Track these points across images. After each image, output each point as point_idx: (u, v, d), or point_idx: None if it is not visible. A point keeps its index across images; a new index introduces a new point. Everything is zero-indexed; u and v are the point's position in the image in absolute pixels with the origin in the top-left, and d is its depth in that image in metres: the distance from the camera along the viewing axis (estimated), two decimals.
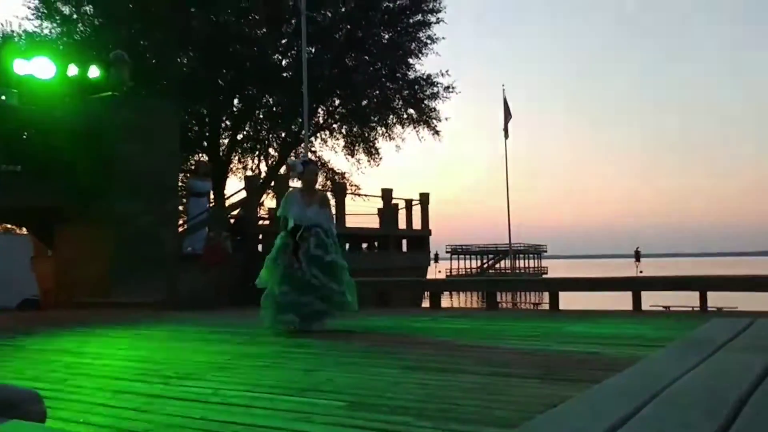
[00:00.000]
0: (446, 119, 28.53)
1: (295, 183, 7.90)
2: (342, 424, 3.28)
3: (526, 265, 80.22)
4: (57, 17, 23.55)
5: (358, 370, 4.90)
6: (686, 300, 11.75)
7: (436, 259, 19.60)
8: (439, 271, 20.69)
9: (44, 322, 9.23)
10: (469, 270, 73.88)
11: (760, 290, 8.84)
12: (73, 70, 13.86)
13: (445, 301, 21.70)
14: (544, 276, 52.96)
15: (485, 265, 77.00)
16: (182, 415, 3.52)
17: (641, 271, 38.87)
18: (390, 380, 4.44)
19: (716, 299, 10.65)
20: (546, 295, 11.58)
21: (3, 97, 12.36)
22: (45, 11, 23.49)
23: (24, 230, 19.50)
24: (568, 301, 12.04)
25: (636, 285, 9.74)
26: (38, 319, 9.77)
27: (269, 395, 3.99)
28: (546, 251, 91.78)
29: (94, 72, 13.82)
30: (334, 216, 7.98)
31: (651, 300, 11.85)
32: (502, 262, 71.78)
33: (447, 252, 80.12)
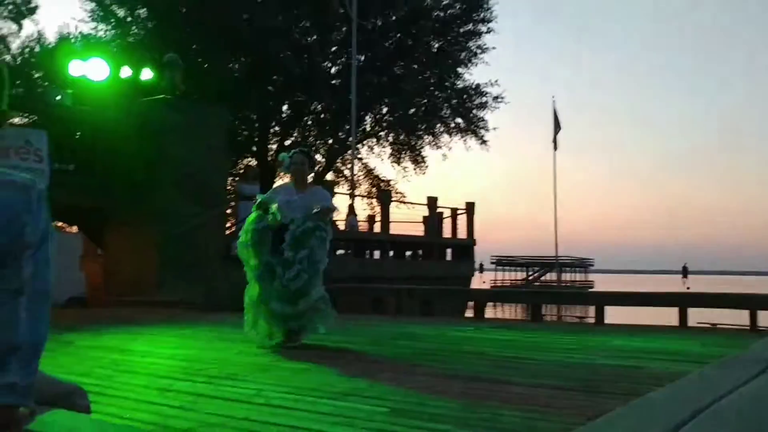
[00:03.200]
0: (494, 129, 28.48)
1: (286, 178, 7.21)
2: (383, 430, 3.27)
3: (573, 278, 79.04)
4: (112, 20, 24.13)
5: (401, 376, 4.89)
6: (733, 318, 11.49)
7: (481, 269, 19.49)
8: (484, 282, 20.54)
9: (92, 320, 9.40)
10: (514, 281, 73.15)
11: None
12: (126, 72, 14.18)
13: (489, 312, 21.56)
14: (589, 290, 52.37)
15: (531, 277, 76.14)
16: (225, 415, 3.56)
17: (688, 287, 38.05)
18: (432, 388, 4.42)
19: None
20: (591, 309, 11.39)
21: (58, 97, 12.69)
22: (101, 14, 24.09)
23: (74, 228, 19.95)
24: (614, 315, 11.87)
25: (682, 301, 9.54)
26: (86, 317, 9.95)
27: (311, 398, 4.00)
28: (593, 265, 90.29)
29: (146, 74, 14.11)
30: (335, 209, 7.14)
31: (698, 317, 11.61)
32: (548, 275, 70.90)
33: (492, 263, 79.44)
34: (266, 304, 6.39)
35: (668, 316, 10.38)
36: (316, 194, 6.78)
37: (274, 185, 7.37)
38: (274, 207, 6.51)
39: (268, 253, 6.44)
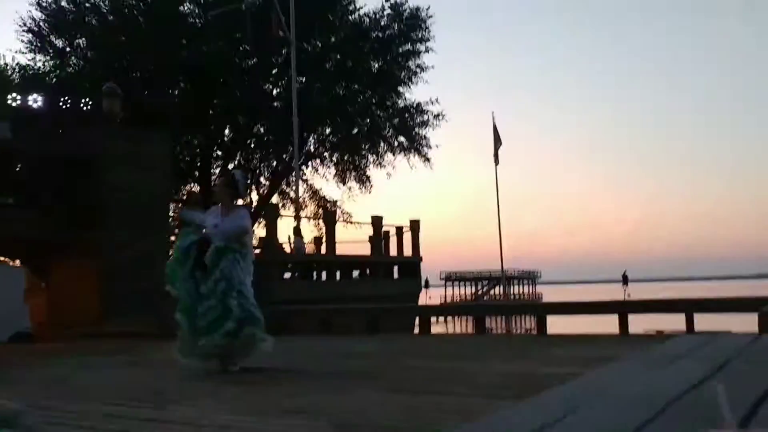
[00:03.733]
0: (437, 146, 28.87)
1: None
2: None
3: (521, 291, 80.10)
4: (50, 50, 23.81)
5: (345, 393, 5.02)
6: (679, 324, 11.85)
7: (426, 285, 19.71)
8: (430, 297, 20.81)
9: (37, 354, 9.30)
10: (463, 297, 73.78)
11: (743, 310, 8.98)
12: (65, 102, 14.07)
13: (438, 328, 21.79)
14: (533, 302, 53.08)
15: (480, 292, 76.89)
16: None
17: (629, 295, 38.94)
18: (376, 402, 4.56)
19: (713, 322, 10.76)
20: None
21: None
22: (38, 45, 23.74)
23: (17, 262, 19.56)
24: (560, 325, 12.16)
25: (622, 308, 9.88)
26: (31, 352, 9.84)
27: (256, 417, 4.11)
28: (540, 277, 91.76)
29: (86, 104, 14.02)
30: (250, 231, 7.11)
31: (642, 324, 11.96)
32: (497, 289, 71.71)
33: (441, 279, 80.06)
34: (191, 334, 6.41)
35: (612, 324, 10.70)
36: (234, 218, 6.80)
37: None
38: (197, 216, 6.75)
39: (188, 274, 6.47)
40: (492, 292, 75.98)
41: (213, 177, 26.07)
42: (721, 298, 10.14)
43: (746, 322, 10.37)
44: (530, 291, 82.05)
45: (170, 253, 6.79)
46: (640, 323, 11.37)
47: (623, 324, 9.64)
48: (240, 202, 7.31)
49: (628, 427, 1.04)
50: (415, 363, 6.79)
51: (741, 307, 8.76)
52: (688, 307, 9.31)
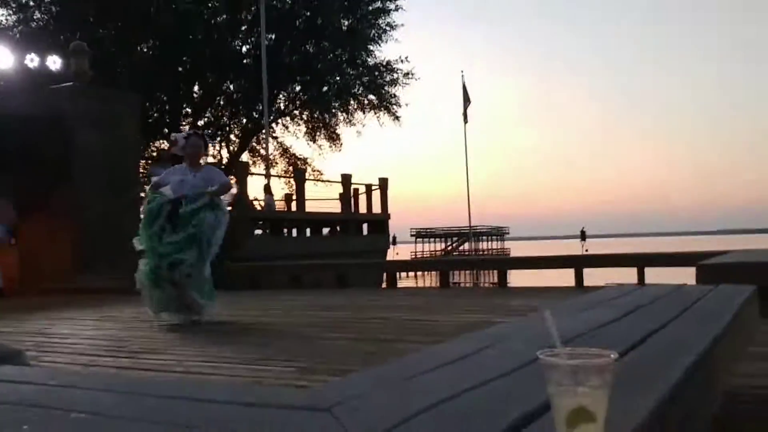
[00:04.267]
0: (406, 105, 29.07)
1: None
2: (290, 384, 3.71)
3: (489, 246, 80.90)
4: (13, 4, 23.37)
5: (312, 342, 5.34)
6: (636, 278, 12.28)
7: (394, 241, 20.08)
8: (397, 253, 21.26)
9: (10, 309, 9.47)
10: (433, 253, 74.46)
11: (689, 264, 9.38)
12: (32, 59, 14.00)
13: (408, 282, 22.20)
14: (494, 256, 53.78)
15: (449, 248, 77.60)
16: None
17: (587, 250, 39.78)
18: (339, 350, 4.89)
19: (667, 275, 11.18)
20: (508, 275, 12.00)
21: None
22: None
23: None
24: (526, 279, 12.58)
25: (577, 262, 10.28)
26: (4, 306, 9.99)
27: (228, 365, 4.40)
28: (508, 233, 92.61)
29: (53, 62, 13.97)
30: (232, 186, 7.31)
31: (604, 277, 12.35)
32: (466, 244, 72.45)
33: (412, 236, 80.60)
34: (155, 283, 6.63)
35: (570, 277, 11.10)
36: (210, 173, 7.01)
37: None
38: (166, 188, 6.76)
39: (157, 233, 6.62)
40: (461, 248, 76.76)
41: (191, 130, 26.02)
42: (668, 253, 10.59)
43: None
44: (498, 246, 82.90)
45: (140, 212, 6.93)
46: (600, 277, 11.79)
47: (579, 277, 10.06)
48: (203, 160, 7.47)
49: (532, 354, 1.31)
50: (379, 314, 7.12)
51: (687, 261, 9.17)
52: (639, 261, 9.73)
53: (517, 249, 77.26)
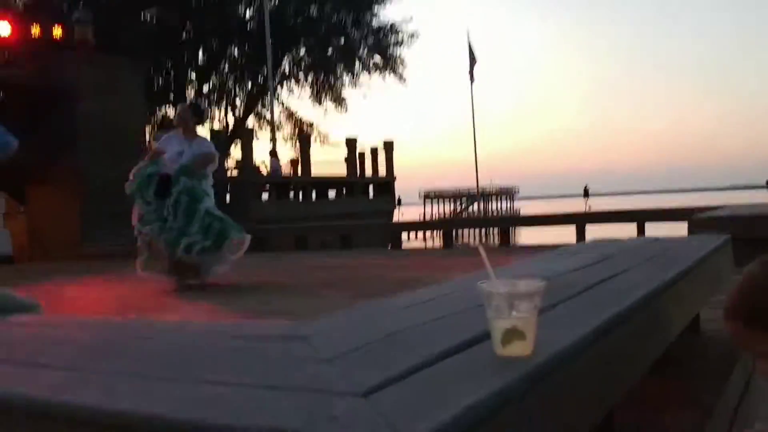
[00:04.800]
0: (412, 66, 29.11)
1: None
2: None
3: (499, 207, 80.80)
4: None
5: (313, 298, 5.54)
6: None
7: (399, 203, 20.29)
8: (402, 215, 21.55)
9: (20, 274, 9.72)
10: (442, 214, 74.55)
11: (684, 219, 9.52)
12: (36, 28, 14.08)
13: (416, 243, 22.44)
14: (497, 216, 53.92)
15: (459, 209, 77.64)
16: None
17: (590, 207, 39.94)
18: (337, 305, 5.07)
19: (666, 230, 11.32)
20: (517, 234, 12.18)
21: None
22: None
23: None
24: (535, 237, 12.73)
25: (578, 219, 10.43)
26: (13, 273, 10.24)
27: (231, 320, 4.61)
28: (518, 193, 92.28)
29: (57, 31, 14.05)
30: (214, 157, 7.27)
31: (604, 234, 12.47)
32: (476, 205, 72.53)
33: (420, 197, 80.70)
34: (154, 243, 6.81)
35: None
36: (200, 145, 7.17)
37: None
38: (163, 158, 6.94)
39: (151, 196, 6.85)
40: (471, 208, 76.83)
41: (188, 100, 26.13)
42: (665, 209, 10.71)
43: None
44: (509, 207, 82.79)
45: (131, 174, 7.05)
46: (602, 233, 11.92)
47: (581, 233, 10.21)
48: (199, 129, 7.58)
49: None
50: (379, 273, 7.31)
51: (684, 216, 9.31)
52: (640, 217, 9.88)
53: (528, 208, 77.34)
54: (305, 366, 1.22)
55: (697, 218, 5.23)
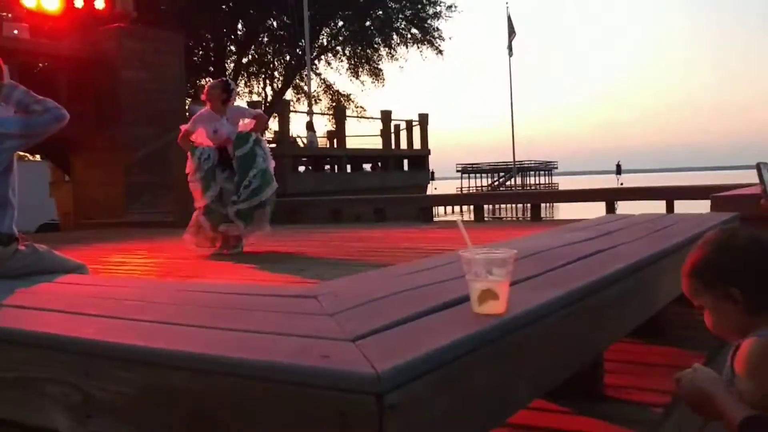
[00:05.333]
0: (449, 38, 29.01)
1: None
2: None
3: (537, 181, 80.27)
4: None
5: (342, 268, 5.78)
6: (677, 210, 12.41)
7: (432, 177, 20.44)
8: (435, 189, 21.77)
9: (65, 241, 10.12)
10: (479, 188, 74.37)
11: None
12: (79, 1, 14.44)
13: (454, 217, 22.58)
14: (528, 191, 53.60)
15: (495, 183, 77.34)
16: None
17: (622, 184, 39.60)
18: (365, 273, 5.31)
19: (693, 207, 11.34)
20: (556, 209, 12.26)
21: (15, 32, 13.00)
22: None
23: (37, 157, 20.40)
24: (571, 212, 12.81)
25: (608, 195, 10.50)
26: (60, 238, 10.65)
27: (264, 284, 4.87)
28: (557, 168, 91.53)
29: (100, 3, 14.40)
30: (265, 120, 7.63)
31: (635, 210, 12.51)
32: (513, 179, 72.18)
33: (457, 171, 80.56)
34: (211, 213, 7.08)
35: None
36: (236, 112, 7.37)
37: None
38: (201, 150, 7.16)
39: (210, 178, 7.09)
40: (508, 183, 76.45)
41: (227, 72, 26.47)
42: (692, 186, 10.69)
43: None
44: (546, 181, 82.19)
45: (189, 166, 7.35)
46: (633, 209, 11.98)
47: (610, 210, 10.29)
48: None
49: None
50: (408, 245, 7.53)
51: (707, 194, 9.35)
52: (668, 194, 9.93)
53: (566, 183, 76.69)
54: (312, 319, 1.45)
55: (716, 197, 5.34)
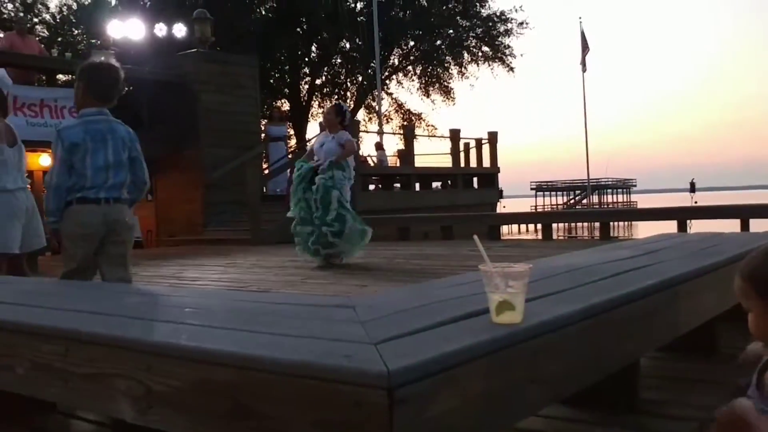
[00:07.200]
0: (521, 55, 28.96)
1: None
2: None
3: (615, 199, 78.68)
4: None
5: (402, 282, 5.94)
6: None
7: (501, 195, 20.36)
8: (504, 207, 21.68)
9: (147, 257, 10.62)
10: (554, 207, 73.42)
11: None
12: (161, 29, 15.14)
13: (525, 236, 22.50)
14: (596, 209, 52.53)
15: (572, 201, 76.20)
16: None
17: (696, 202, 38.42)
18: None
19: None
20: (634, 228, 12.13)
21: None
22: None
23: None
24: (648, 230, 12.66)
25: (678, 214, 10.34)
26: (143, 255, 11.18)
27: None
28: (635, 185, 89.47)
29: (179, 30, 15.04)
30: (352, 150, 7.94)
31: (708, 229, 12.26)
32: (589, 198, 70.99)
33: (532, 189, 79.79)
34: (306, 240, 7.63)
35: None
36: (341, 136, 7.91)
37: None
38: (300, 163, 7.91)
39: (302, 195, 7.63)
40: (585, 201, 75.18)
41: (302, 93, 27.11)
42: (763, 204, 10.42)
43: None
44: (625, 199, 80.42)
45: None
46: (706, 228, 11.76)
47: (682, 229, 10.13)
48: None
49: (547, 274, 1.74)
50: (470, 263, 7.63)
51: None
52: (744, 213, 9.73)
53: (645, 202, 74.93)
54: (344, 326, 1.61)
55: None
